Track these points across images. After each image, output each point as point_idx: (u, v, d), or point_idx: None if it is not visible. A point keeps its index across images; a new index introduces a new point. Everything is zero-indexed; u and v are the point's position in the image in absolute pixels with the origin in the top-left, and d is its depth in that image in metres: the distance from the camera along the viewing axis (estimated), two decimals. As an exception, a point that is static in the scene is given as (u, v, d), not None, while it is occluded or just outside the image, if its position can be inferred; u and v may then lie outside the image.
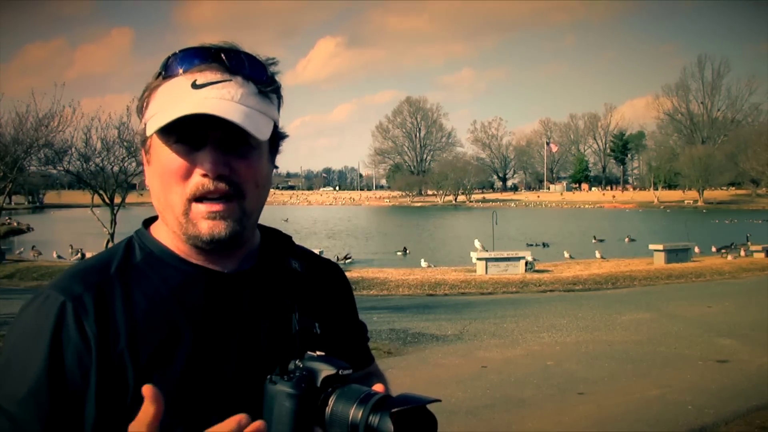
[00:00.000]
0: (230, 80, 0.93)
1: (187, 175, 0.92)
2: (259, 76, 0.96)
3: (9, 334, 0.91)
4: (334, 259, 1.26)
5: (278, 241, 1.10)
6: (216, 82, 0.92)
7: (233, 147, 0.92)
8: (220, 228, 0.93)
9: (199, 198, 0.92)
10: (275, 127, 0.98)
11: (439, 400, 0.81)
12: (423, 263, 20.04)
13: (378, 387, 0.86)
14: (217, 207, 0.92)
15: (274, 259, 1.05)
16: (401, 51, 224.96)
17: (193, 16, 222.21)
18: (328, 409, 0.83)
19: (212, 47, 0.95)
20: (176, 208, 0.93)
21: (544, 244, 27.11)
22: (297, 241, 1.15)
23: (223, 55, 0.94)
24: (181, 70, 0.93)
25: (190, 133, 0.91)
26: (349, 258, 22.13)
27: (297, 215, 60.52)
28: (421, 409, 0.81)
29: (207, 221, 0.93)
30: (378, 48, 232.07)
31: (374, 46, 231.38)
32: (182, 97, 0.91)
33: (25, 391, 0.85)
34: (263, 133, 0.92)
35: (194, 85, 0.92)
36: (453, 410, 5.45)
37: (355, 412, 0.81)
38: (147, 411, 0.76)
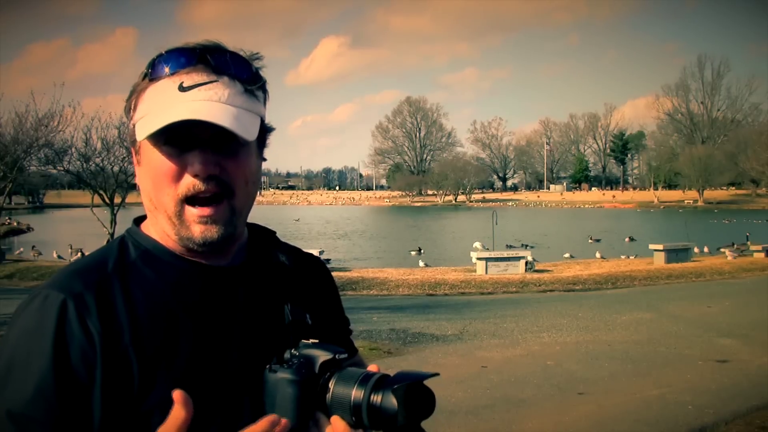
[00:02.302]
0: (216, 81, 0.94)
1: (178, 176, 0.93)
2: (245, 74, 0.97)
3: (8, 335, 0.91)
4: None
5: (264, 236, 1.12)
6: (203, 83, 0.93)
7: (222, 146, 0.94)
8: (212, 232, 0.95)
9: (191, 198, 0.94)
10: (262, 121, 1.00)
11: (437, 374, 0.82)
12: (421, 263, 20.02)
13: (373, 367, 0.87)
14: (207, 211, 0.94)
15: (263, 254, 1.08)
16: (405, 51, 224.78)
17: (197, 15, 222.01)
18: (328, 393, 0.85)
19: (197, 47, 0.95)
20: (169, 209, 0.95)
21: (524, 245, 25.50)
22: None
23: (208, 55, 0.94)
24: (167, 71, 0.94)
25: (179, 136, 0.92)
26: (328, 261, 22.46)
27: (305, 215, 60.54)
28: (420, 385, 0.83)
29: (199, 225, 0.94)
30: (381, 48, 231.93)
31: (378, 46, 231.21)
32: (170, 100, 0.92)
33: (31, 391, 0.85)
34: (251, 132, 0.94)
35: (181, 88, 0.93)
36: (453, 410, 5.45)
37: (356, 394, 0.82)
38: (177, 415, 0.78)
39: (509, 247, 23.71)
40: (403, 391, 0.80)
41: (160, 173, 0.94)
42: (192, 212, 0.94)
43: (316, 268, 1.18)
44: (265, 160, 1.07)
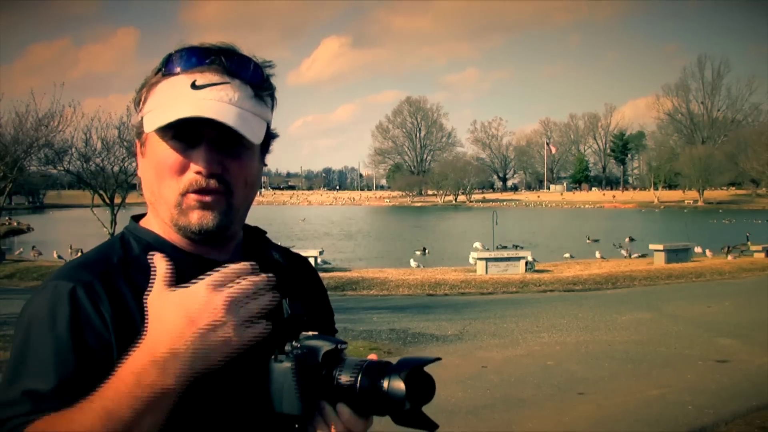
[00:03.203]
0: (228, 83, 0.96)
1: (182, 171, 0.95)
2: (256, 79, 0.99)
3: (19, 325, 0.93)
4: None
5: (256, 235, 1.14)
6: (215, 83, 0.95)
7: (227, 146, 0.96)
8: (208, 218, 0.97)
9: (191, 191, 0.96)
10: (268, 127, 1.02)
11: (439, 359, 0.84)
12: (413, 263, 19.92)
13: (372, 357, 0.89)
14: (206, 197, 0.96)
15: (257, 252, 1.10)
16: (406, 51, 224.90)
17: (199, 16, 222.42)
18: (333, 382, 0.87)
19: (213, 48, 0.98)
20: (169, 201, 0.97)
21: (515, 246, 25.15)
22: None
23: (223, 57, 0.97)
24: (180, 69, 0.96)
25: (187, 132, 0.94)
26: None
27: (308, 215, 60.51)
28: (421, 371, 0.85)
29: (197, 211, 0.96)
30: (383, 48, 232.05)
31: (379, 46, 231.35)
32: (182, 96, 0.94)
33: (51, 373, 0.87)
34: (257, 135, 0.96)
35: (194, 86, 0.95)
36: (453, 410, 5.45)
37: (361, 381, 0.84)
38: (160, 270, 0.89)
39: (501, 247, 23.45)
40: (407, 377, 0.82)
41: (165, 166, 0.96)
42: (191, 197, 0.96)
43: (304, 267, 1.21)
44: (265, 165, 1.09)
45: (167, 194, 0.96)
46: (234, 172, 0.97)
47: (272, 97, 1.03)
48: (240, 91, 0.96)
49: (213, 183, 0.95)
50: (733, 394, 6.07)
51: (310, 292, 1.16)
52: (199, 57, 0.96)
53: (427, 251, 25.71)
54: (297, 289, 1.10)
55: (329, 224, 49.83)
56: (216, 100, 0.94)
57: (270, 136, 1.05)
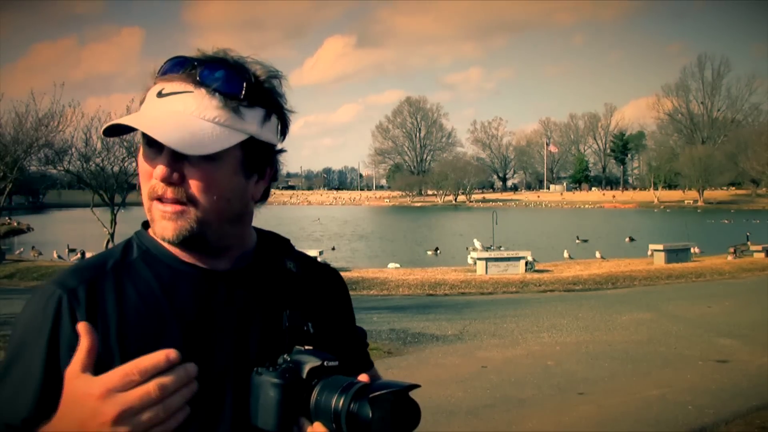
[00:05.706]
0: (191, 92, 0.93)
1: (148, 177, 0.96)
2: (232, 89, 0.94)
3: (14, 328, 0.97)
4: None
5: (275, 243, 1.12)
6: (177, 92, 0.94)
7: (187, 156, 0.93)
8: (168, 229, 0.96)
9: (158, 198, 0.97)
10: (253, 140, 0.97)
11: (419, 386, 0.82)
12: (391, 265, 19.82)
13: (362, 377, 0.87)
14: (168, 207, 0.96)
15: (270, 260, 1.08)
16: (409, 51, 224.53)
17: (203, 16, 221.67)
18: (312, 399, 0.86)
19: (194, 57, 0.97)
20: (145, 205, 0.99)
21: (499, 247, 24.39)
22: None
23: (198, 65, 0.95)
24: (159, 76, 0.97)
25: (154, 140, 0.92)
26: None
27: (311, 215, 60.45)
28: (403, 396, 0.83)
29: (162, 221, 0.96)
30: (386, 48, 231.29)
31: (383, 46, 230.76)
32: (147, 104, 0.97)
33: (26, 381, 0.91)
34: (206, 147, 0.91)
35: (159, 94, 0.95)
36: (453, 410, 5.43)
37: (337, 401, 0.83)
38: (81, 346, 0.80)
39: (486, 248, 23.10)
40: (379, 401, 0.80)
41: (140, 172, 0.98)
42: (157, 207, 0.97)
43: (330, 279, 1.17)
44: (262, 178, 1.04)
45: (144, 199, 0.98)
46: (195, 183, 0.94)
47: (264, 108, 0.98)
48: (202, 100, 0.93)
49: (170, 192, 0.94)
50: (733, 394, 6.07)
51: (328, 306, 1.12)
52: (174, 65, 0.96)
53: (438, 251, 25.71)
54: (308, 301, 1.07)
55: (342, 224, 50.02)
56: (166, 110, 0.93)
57: (258, 147, 0.99)
